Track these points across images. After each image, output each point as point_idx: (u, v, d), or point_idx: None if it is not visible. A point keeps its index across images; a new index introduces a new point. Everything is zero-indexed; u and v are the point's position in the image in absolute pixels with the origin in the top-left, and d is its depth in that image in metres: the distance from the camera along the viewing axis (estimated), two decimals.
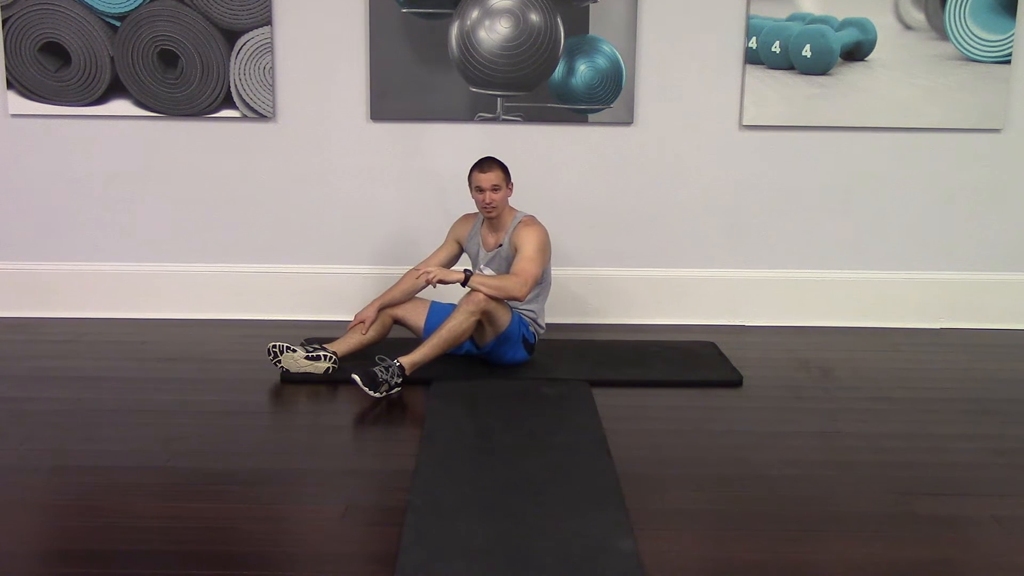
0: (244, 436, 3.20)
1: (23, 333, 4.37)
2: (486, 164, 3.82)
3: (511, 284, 3.67)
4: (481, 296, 3.62)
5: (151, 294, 4.59)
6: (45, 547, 2.49)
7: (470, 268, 3.74)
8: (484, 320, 3.69)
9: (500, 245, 3.89)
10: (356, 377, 3.45)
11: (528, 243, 3.77)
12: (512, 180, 3.89)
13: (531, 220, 3.88)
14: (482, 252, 3.96)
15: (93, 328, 4.44)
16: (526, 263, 3.72)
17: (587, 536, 2.46)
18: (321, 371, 3.70)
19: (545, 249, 3.82)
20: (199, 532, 2.53)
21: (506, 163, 4.42)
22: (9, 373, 3.84)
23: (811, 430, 3.32)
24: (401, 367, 3.54)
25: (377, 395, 3.47)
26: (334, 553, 2.44)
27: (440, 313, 3.87)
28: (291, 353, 3.70)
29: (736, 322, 4.61)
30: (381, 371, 3.49)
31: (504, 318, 3.74)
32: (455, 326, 3.63)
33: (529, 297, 3.81)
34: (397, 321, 3.96)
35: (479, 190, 3.81)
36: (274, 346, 3.71)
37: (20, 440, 3.14)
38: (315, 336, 4.13)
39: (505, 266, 3.84)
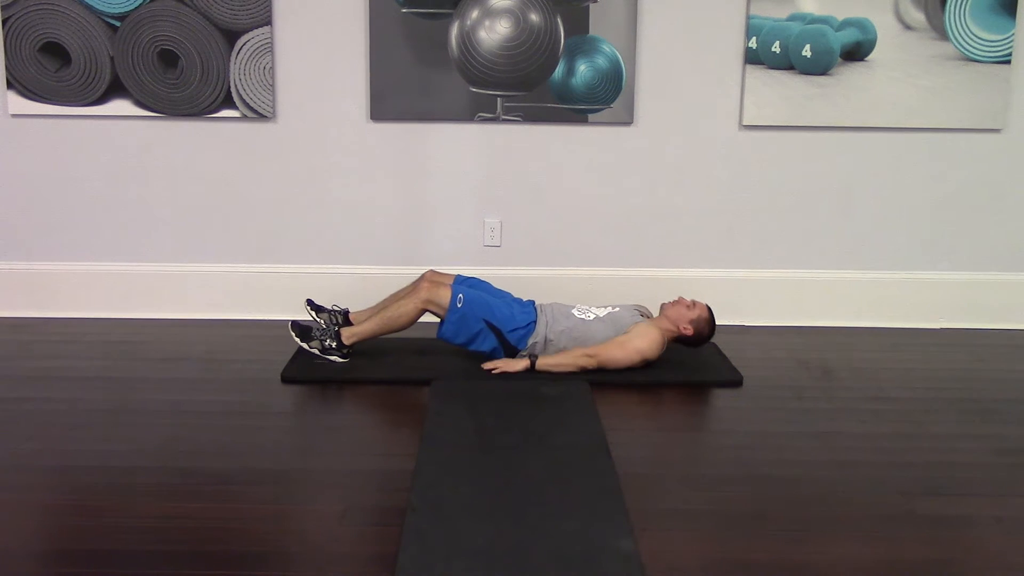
0: (244, 436, 3.20)
1: (23, 333, 4.37)
2: None
3: (582, 363, 3.77)
4: (425, 286, 3.86)
5: (151, 294, 4.59)
6: (45, 547, 2.49)
7: (535, 354, 3.82)
8: (428, 308, 3.85)
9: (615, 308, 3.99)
10: (292, 324, 3.95)
11: (634, 337, 3.80)
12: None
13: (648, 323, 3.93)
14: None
15: (93, 328, 4.44)
16: (614, 349, 3.78)
17: (587, 536, 2.46)
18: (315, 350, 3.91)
19: (642, 352, 3.80)
20: (199, 532, 2.53)
21: (506, 163, 4.44)
22: (9, 373, 3.84)
23: (811, 430, 3.33)
24: (338, 332, 3.87)
25: (307, 347, 3.88)
26: (334, 553, 2.44)
27: (469, 283, 3.98)
28: (309, 340, 3.92)
29: (736, 322, 4.61)
30: (317, 330, 3.91)
31: (444, 298, 3.81)
32: (397, 308, 3.87)
33: (555, 333, 3.85)
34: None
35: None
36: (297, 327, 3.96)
37: (20, 440, 3.14)
38: None
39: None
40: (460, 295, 3.80)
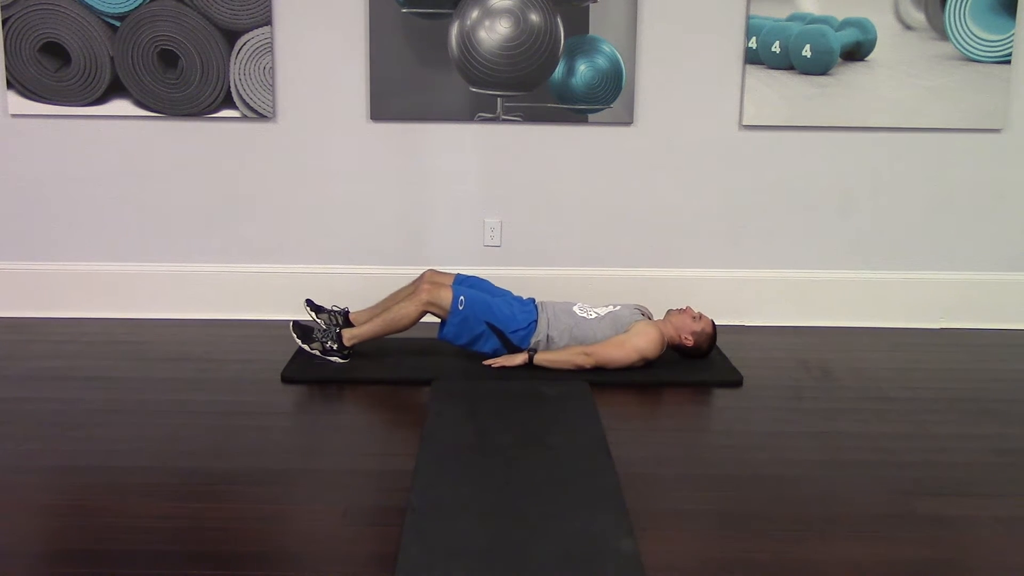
0: (244, 436, 3.20)
1: (23, 333, 4.36)
2: None
3: (579, 362, 3.78)
4: (425, 287, 3.84)
5: (151, 294, 4.59)
6: (45, 547, 2.49)
7: (535, 348, 3.86)
8: (429, 309, 3.85)
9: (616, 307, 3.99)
10: (293, 324, 3.93)
11: (633, 335, 3.81)
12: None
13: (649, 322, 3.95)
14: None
15: (93, 328, 4.44)
16: (612, 348, 3.78)
17: (587, 536, 2.46)
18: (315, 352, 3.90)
19: (641, 351, 3.80)
20: (199, 532, 2.53)
21: (506, 163, 4.42)
22: (9, 373, 3.84)
23: (811, 430, 3.33)
24: (339, 334, 3.85)
25: (308, 348, 3.85)
26: (334, 553, 2.44)
27: (469, 283, 4.00)
28: (308, 340, 3.89)
29: (736, 322, 4.61)
30: (319, 332, 3.88)
31: (446, 299, 3.81)
32: (398, 309, 3.85)
33: (557, 332, 3.87)
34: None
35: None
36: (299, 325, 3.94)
37: (20, 440, 3.14)
38: None
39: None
40: (462, 297, 3.80)
